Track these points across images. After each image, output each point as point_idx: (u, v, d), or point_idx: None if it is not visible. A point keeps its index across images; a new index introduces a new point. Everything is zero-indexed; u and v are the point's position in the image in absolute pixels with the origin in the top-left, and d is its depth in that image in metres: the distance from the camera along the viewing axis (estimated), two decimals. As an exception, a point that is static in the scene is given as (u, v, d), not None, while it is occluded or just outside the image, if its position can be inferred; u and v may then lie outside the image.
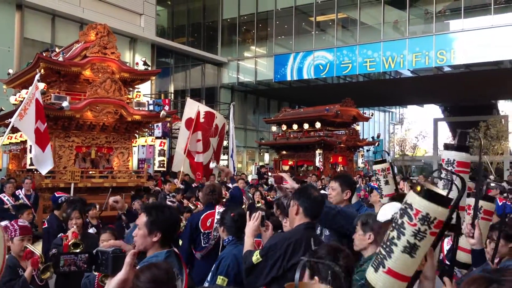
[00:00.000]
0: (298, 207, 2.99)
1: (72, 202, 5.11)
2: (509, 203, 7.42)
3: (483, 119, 24.86)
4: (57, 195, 6.51)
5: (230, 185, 9.90)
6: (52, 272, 3.61)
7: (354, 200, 5.51)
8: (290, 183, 3.52)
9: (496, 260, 3.08)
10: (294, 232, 2.99)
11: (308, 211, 2.98)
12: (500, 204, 7.57)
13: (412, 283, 1.54)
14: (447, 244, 3.85)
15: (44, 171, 8.13)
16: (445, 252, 3.81)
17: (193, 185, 12.44)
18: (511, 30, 18.77)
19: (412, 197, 1.46)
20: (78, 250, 4.12)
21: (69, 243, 4.15)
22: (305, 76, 23.32)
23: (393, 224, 1.50)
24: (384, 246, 1.50)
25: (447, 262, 3.35)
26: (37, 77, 8.18)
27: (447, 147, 2.38)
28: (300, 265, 1.19)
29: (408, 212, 1.45)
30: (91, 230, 5.52)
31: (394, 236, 1.48)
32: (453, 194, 2.20)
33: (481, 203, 2.73)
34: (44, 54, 9.30)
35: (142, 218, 2.53)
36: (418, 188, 1.45)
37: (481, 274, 1.21)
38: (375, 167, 4.55)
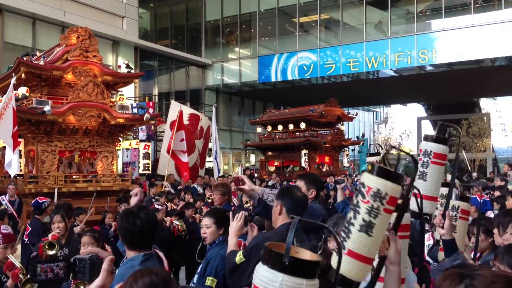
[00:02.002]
0: (281, 207, 3.02)
1: (56, 207, 5.09)
2: (488, 199, 7.56)
3: (466, 117, 25.20)
4: (40, 201, 6.45)
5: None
6: (34, 285, 3.57)
7: (340, 198, 5.57)
8: (248, 184, 3.57)
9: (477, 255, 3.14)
10: (277, 232, 3.02)
11: (291, 211, 3.01)
12: (480, 201, 7.72)
13: (378, 269, 1.55)
14: (427, 239, 3.89)
15: (13, 173, 8.21)
16: (426, 247, 3.86)
17: (178, 188, 12.39)
18: (491, 29, 19.08)
19: (364, 176, 1.50)
20: (53, 251, 4.09)
21: (44, 243, 4.11)
22: (290, 77, 23.41)
23: (351, 206, 1.52)
24: (344, 228, 1.52)
25: (428, 258, 3.39)
26: (12, 81, 8.12)
27: (426, 138, 2.41)
28: (293, 224, 1.13)
29: (361, 191, 1.48)
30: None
31: (351, 216, 1.50)
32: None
33: (458, 203, 2.79)
34: (24, 58, 9.19)
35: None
36: (369, 167, 1.49)
37: (453, 270, 1.23)
38: (369, 159, 4.55)
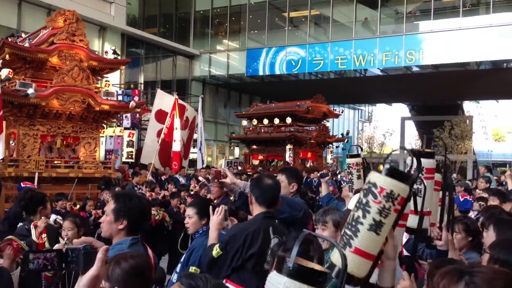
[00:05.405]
0: (251, 196, 3.05)
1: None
2: (471, 199, 7.69)
3: (449, 119, 25.48)
4: (22, 185, 6.35)
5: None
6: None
7: (324, 192, 5.59)
8: (230, 177, 3.54)
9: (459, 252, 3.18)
10: (252, 222, 3.05)
11: (260, 199, 3.06)
12: (461, 200, 7.87)
13: (374, 263, 1.57)
14: (405, 237, 3.93)
15: None
16: (403, 243, 3.91)
17: (162, 178, 12.31)
18: (477, 32, 19.29)
19: (375, 176, 1.50)
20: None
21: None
22: (277, 72, 23.37)
23: (357, 204, 1.52)
24: (350, 226, 1.52)
25: (405, 253, 3.44)
26: (-2, 63, 7.95)
27: (414, 154, 2.35)
28: (300, 236, 1.22)
29: (372, 191, 1.48)
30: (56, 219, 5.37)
31: (359, 215, 1.50)
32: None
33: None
34: (9, 39, 8.99)
35: (110, 205, 2.52)
36: (381, 167, 1.50)
37: (453, 266, 1.22)
38: (349, 160, 4.58)
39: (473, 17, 20.49)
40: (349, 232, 1.51)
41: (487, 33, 19.04)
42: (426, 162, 2.37)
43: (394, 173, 1.47)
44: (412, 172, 1.57)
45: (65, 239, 4.03)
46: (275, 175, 3.73)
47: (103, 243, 1.87)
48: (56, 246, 3.99)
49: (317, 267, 1.19)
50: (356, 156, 4.55)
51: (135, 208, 2.51)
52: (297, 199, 3.83)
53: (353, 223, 1.51)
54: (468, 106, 34.80)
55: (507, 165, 28.84)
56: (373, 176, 1.51)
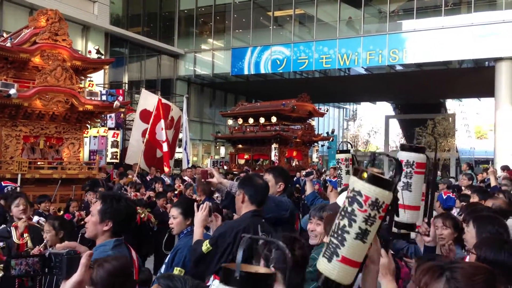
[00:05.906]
0: (243, 195, 3.07)
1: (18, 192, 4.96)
2: (453, 196, 7.79)
3: (432, 117, 25.77)
4: (3, 184, 6.28)
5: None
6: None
7: (309, 190, 5.63)
8: (216, 177, 3.55)
9: (442, 243, 3.23)
10: (242, 220, 3.07)
11: (253, 198, 3.09)
12: (444, 197, 7.97)
13: (361, 267, 1.58)
14: None
15: None
16: None
17: (147, 178, 12.25)
18: (460, 31, 19.53)
19: (359, 184, 1.49)
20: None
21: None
22: (262, 71, 23.38)
23: (342, 213, 1.52)
24: (336, 235, 1.51)
25: None
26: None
27: (404, 148, 2.37)
28: (243, 241, 1.16)
29: (357, 199, 1.48)
30: (39, 220, 5.32)
31: (345, 224, 1.49)
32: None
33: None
34: (-10, 39, 8.87)
35: (97, 206, 2.51)
36: (364, 175, 1.49)
37: (434, 263, 1.24)
38: (339, 156, 4.66)
39: (455, 16, 20.74)
40: (335, 241, 1.50)
41: (468, 32, 19.30)
42: (417, 157, 2.38)
43: (377, 180, 1.47)
44: (395, 175, 1.56)
45: (45, 240, 4.02)
46: (262, 174, 3.76)
47: (86, 248, 1.86)
48: (36, 249, 3.97)
49: (262, 270, 1.15)
50: (346, 152, 4.62)
51: (122, 210, 2.49)
52: (284, 198, 3.86)
53: (339, 232, 1.50)
54: (451, 104, 35.28)
55: (490, 162, 29.30)
56: (357, 184, 1.50)
